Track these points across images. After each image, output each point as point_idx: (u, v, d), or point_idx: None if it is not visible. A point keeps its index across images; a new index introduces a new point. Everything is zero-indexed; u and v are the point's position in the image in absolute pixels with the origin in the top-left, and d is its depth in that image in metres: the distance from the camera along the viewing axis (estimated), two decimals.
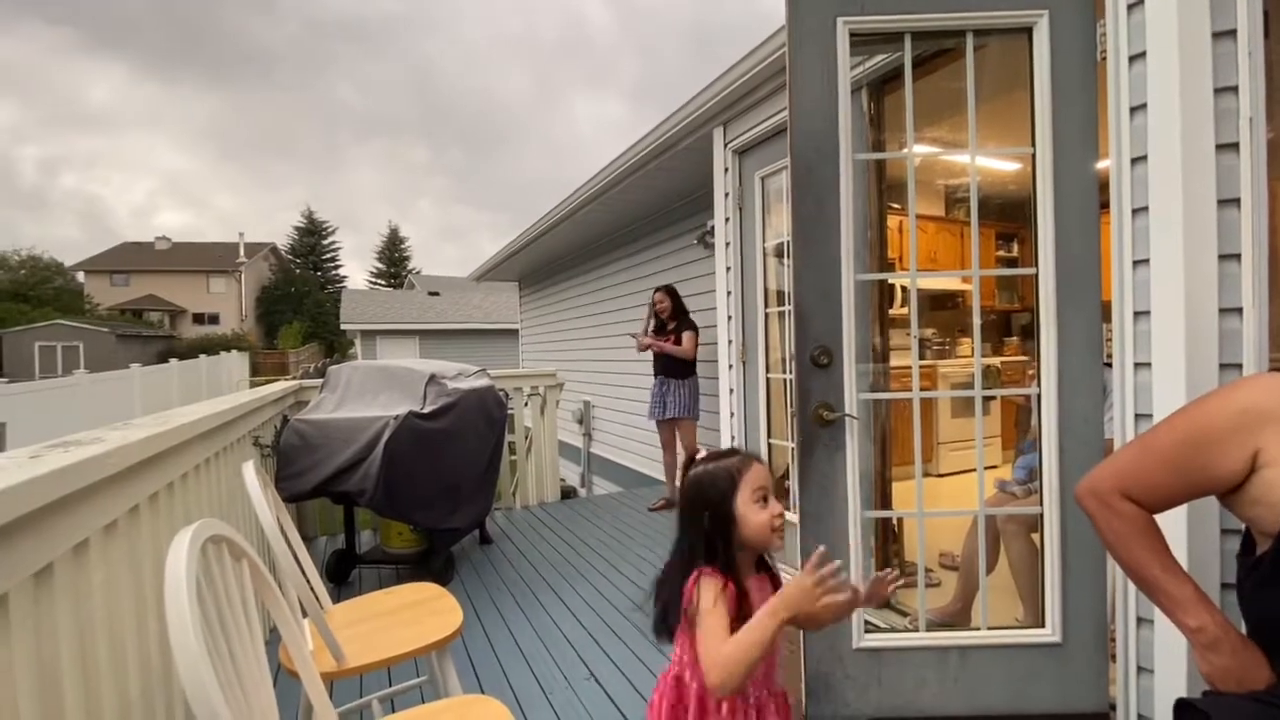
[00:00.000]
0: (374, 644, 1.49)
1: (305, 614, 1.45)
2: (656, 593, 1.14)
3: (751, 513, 1.08)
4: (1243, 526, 1.06)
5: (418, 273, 37.38)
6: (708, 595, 1.03)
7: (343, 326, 20.76)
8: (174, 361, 13.96)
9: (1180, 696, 1.04)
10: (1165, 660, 1.54)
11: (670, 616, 1.10)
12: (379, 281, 44.34)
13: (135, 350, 24.72)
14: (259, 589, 1.14)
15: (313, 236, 42.90)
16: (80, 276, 35.41)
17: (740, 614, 1.03)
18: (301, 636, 1.36)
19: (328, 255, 43.30)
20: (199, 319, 35.15)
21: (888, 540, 2.61)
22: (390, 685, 2.03)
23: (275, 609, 1.18)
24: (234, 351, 20.75)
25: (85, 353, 23.87)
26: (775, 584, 1.15)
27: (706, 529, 1.08)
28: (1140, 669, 1.61)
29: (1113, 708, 1.69)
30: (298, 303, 37.24)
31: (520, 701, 2.10)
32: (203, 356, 17.27)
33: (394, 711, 2.00)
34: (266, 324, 36.54)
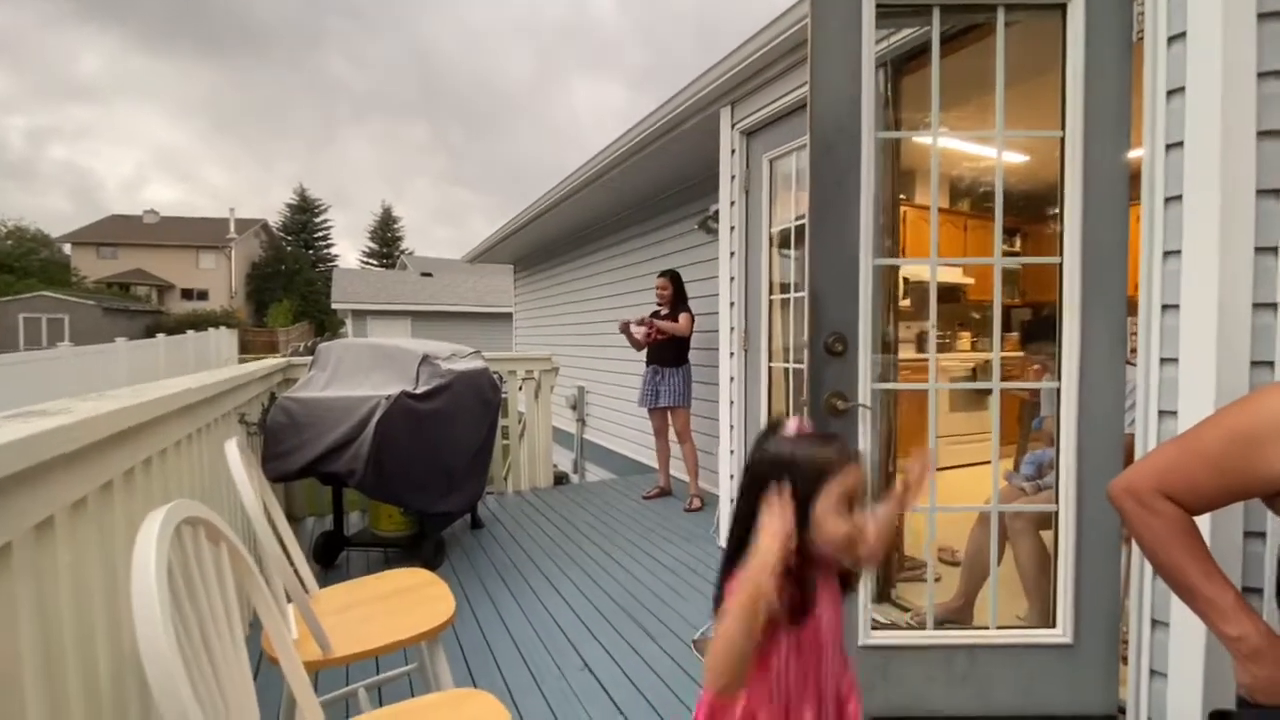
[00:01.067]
0: (362, 632, 1.42)
1: (290, 599, 1.38)
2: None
3: (830, 521, 0.89)
4: (1269, 528, 1.01)
5: (410, 253, 36.97)
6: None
7: (334, 305, 20.53)
8: (161, 336, 13.72)
9: (1217, 708, 0.99)
10: (1180, 664, 1.50)
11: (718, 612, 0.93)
12: (371, 261, 43.90)
13: (122, 324, 24.34)
14: (239, 575, 1.06)
15: (305, 214, 42.32)
16: (67, 249, 34.80)
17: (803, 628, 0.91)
18: (285, 624, 1.29)
19: (319, 233, 42.75)
20: (187, 294, 34.68)
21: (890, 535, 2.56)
22: (378, 673, 1.97)
23: (256, 596, 1.10)
24: (223, 328, 20.46)
25: (71, 325, 23.51)
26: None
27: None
28: (1153, 672, 1.57)
29: (1122, 710, 1.65)
30: (288, 280, 36.81)
31: (512, 691, 2.05)
32: (190, 332, 17.01)
33: (380, 700, 1.94)
34: (256, 301, 36.13)
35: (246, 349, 23.86)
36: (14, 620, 0.84)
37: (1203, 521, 1.40)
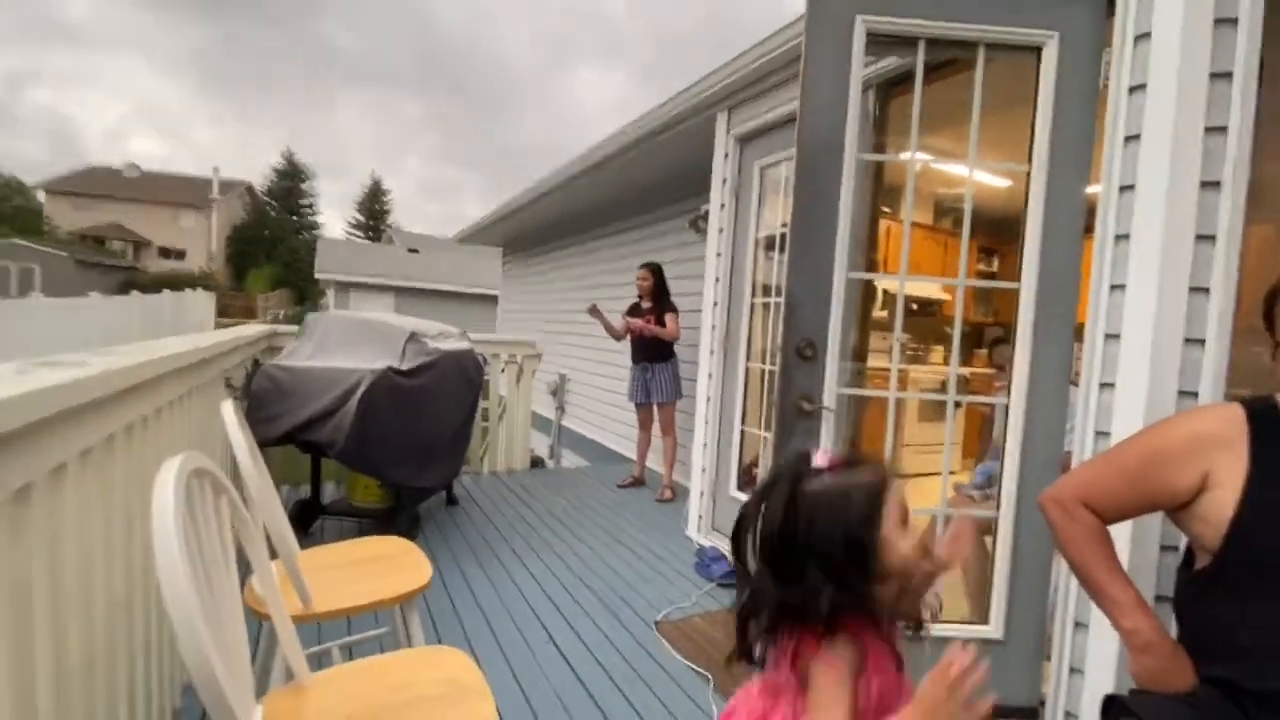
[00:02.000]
0: (341, 591, 1.50)
1: (274, 555, 1.45)
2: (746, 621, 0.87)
3: (900, 540, 0.82)
4: (1181, 544, 1.13)
5: (397, 228, 36.57)
6: (830, 679, 0.80)
7: (317, 275, 20.29)
8: (135, 294, 13.47)
9: (1109, 693, 1.12)
10: (1096, 663, 1.64)
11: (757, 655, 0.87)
12: (356, 233, 43.30)
13: (95, 279, 23.79)
14: (236, 526, 1.14)
15: (291, 179, 41.56)
16: (41, 196, 33.80)
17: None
18: (271, 577, 1.36)
19: (305, 200, 42.07)
20: (165, 253, 33.94)
21: None
22: (349, 634, 2.05)
23: (250, 547, 1.18)
24: (200, 290, 20.11)
25: (42, 277, 22.90)
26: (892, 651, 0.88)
27: (835, 569, 0.80)
28: (1072, 669, 1.71)
29: (1042, 704, 1.79)
30: (270, 246, 36.21)
31: (478, 658, 2.14)
32: (166, 292, 16.70)
33: (352, 659, 2.02)
34: (236, 265, 35.46)
35: (224, 313, 23.43)
36: (28, 553, 0.91)
37: (1125, 537, 1.54)
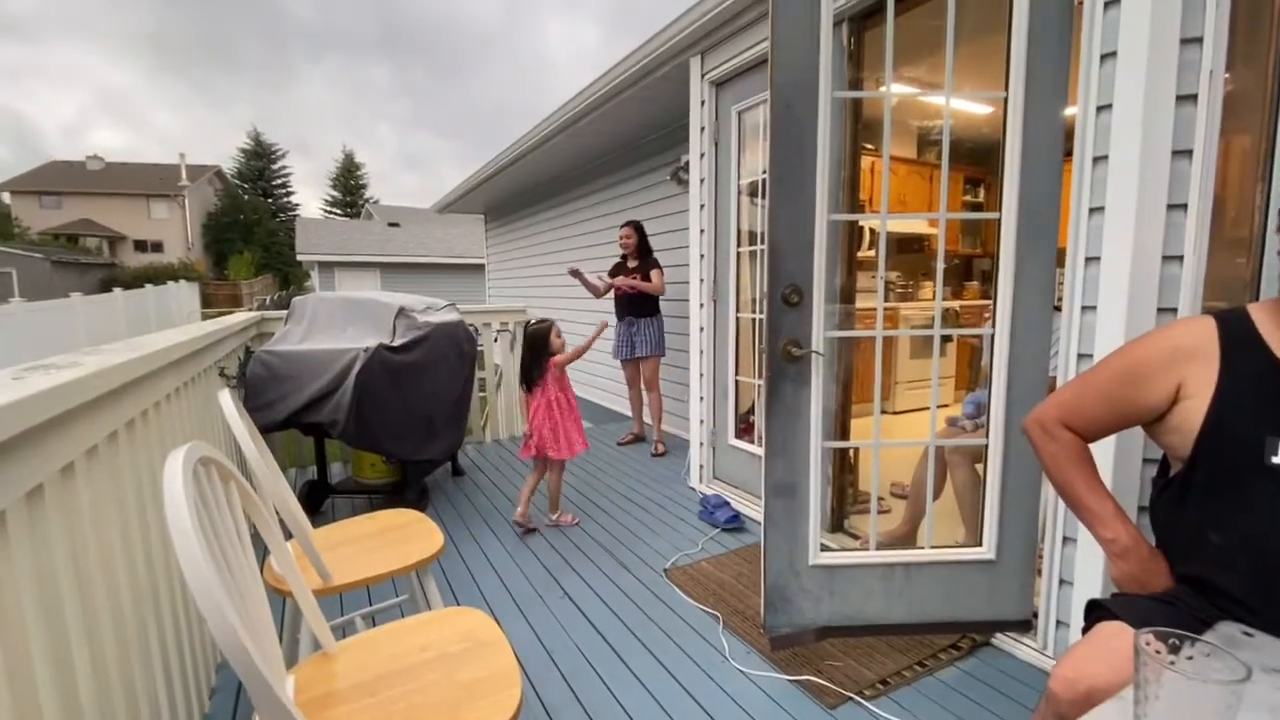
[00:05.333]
0: (358, 564, 1.55)
1: (288, 537, 1.49)
2: None
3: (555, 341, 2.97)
4: (1161, 456, 1.18)
5: (375, 202, 35.82)
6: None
7: (299, 257, 19.96)
8: (118, 291, 13.26)
9: (1092, 597, 1.18)
10: (1084, 573, 1.72)
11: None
12: (334, 210, 42.46)
13: (73, 279, 23.40)
14: (247, 509, 1.17)
15: (261, 160, 40.47)
16: (5, 198, 32.88)
17: None
18: (288, 555, 1.41)
19: (278, 181, 41.05)
20: (141, 246, 33.23)
21: (844, 471, 2.76)
22: (370, 604, 2.12)
23: (264, 528, 1.21)
24: (183, 282, 19.82)
25: (19, 280, 22.50)
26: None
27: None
28: (1062, 581, 1.80)
29: (1035, 615, 1.89)
30: (247, 231, 35.48)
31: (499, 619, 2.22)
32: (149, 286, 16.46)
33: (375, 626, 2.10)
34: (215, 253, 34.84)
35: (208, 303, 23.21)
36: (50, 549, 0.94)
37: (1109, 454, 1.60)
